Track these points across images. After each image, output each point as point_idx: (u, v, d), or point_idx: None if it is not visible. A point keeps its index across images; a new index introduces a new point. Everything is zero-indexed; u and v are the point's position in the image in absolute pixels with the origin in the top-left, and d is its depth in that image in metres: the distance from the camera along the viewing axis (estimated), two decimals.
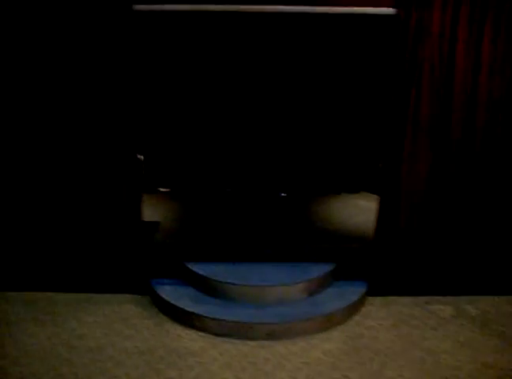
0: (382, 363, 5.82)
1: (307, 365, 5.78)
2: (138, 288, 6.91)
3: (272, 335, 6.18)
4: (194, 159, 8.76)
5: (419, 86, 6.33)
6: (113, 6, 6.10)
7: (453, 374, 5.67)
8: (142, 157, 7.21)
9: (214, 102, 8.54)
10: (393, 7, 6.21)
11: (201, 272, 6.71)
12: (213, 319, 6.27)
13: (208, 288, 6.64)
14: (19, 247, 6.85)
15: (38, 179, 6.61)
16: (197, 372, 5.66)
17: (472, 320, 6.60)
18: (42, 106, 6.40)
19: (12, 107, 6.41)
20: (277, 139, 8.72)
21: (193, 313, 6.35)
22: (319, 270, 6.84)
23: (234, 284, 6.55)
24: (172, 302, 6.52)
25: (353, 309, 6.63)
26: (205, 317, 6.30)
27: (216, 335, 6.22)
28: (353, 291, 6.78)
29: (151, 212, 7.75)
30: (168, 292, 6.69)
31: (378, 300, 6.90)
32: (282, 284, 6.61)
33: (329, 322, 6.39)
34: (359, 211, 8.16)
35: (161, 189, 8.82)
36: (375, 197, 6.94)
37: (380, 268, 6.92)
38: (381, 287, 6.95)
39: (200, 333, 6.25)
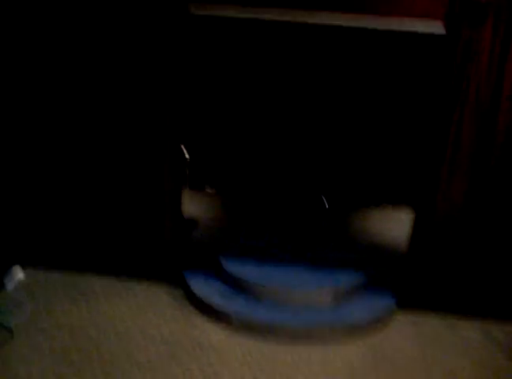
0: None
1: (325, 374, 5.87)
2: (172, 279, 7.10)
3: (294, 339, 6.29)
4: (242, 161, 8.95)
5: (462, 108, 6.29)
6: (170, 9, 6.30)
7: None
8: (188, 157, 7.45)
9: (261, 106, 8.69)
10: (443, 26, 6.19)
11: (232, 271, 6.87)
12: (239, 317, 6.42)
13: (238, 286, 6.78)
14: (64, 229, 7.16)
15: (89, 168, 6.90)
16: (216, 367, 5.83)
17: (499, 345, 6.53)
18: (101, 101, 6.68)
19: (71, 96, 6.72)
20: (324, 149, 8.80)
21: (220, 309, 6.53)
22: (349, 279, 6.89)
23: (263, 285, 6.68)
24: (202, 295, 6.71)
25: (379, 322, 6.65)
26: (232, 313, 6.46)
27: (240, 332, 6.37)
28: (381, 304, 6.80)
29: (194, 208, 7.99)
30: (199, 286, 6.86)
31: (405, 316, 6.87)
32: (310, 289, 6.70)
33: (353, 332, 6.45)
34: (397, 224, 8.14)
35: (207, 190, 9.06)
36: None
37: (411, 282, 6.90)
38: (410, 301, 6.92)
39: (225, 329, 6.41)
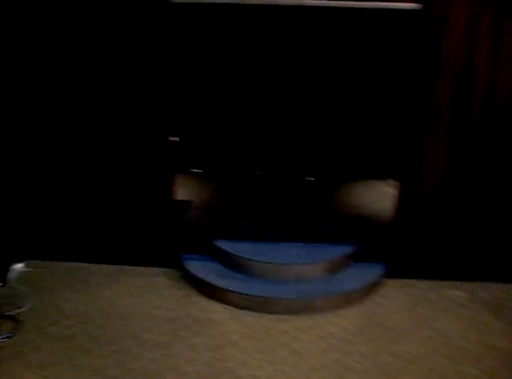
0: (391, 340, 6.17)
1: (322, 339, 6.16)
2: (169, 262, 7.36)
3: (290, 310, 6.58)
4: (226, 142, 9.17)
5: (442, 77, 6.57)
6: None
7: (460, 354, 5.98)
8: (177, 139, 7.65)
9: (245, 86, 8.91)
10: (416, 2, 6.45)
11: (226, 249, 7.14)
12: (236, 293, 6.69)
13: (233, 264, 7.07)
14: (61, 221, 7.39)
15: (78, 158, 7.12)
16: (219, 340, 6.10)
17: (485, 304, 6.87)
18: (83, 89, 6.89)
19: (54, 88, 6.91)
20: (307, 125, 9.04)
21: (218, 287, 6.79)
22: (339, 251, 7.20)
23: (257, 261, 6.96)
24: (199, 275, 6.97)
25: (370, 289, 6.97)
26: (229, 290, 6.73)
27: (239, 308, 6.64)
28: (371, 273, 7.12)
29: (183, 191, 8.22)
30: (196, 267, 7.13)
31: (395, 282, 7.21)
32: (303, 262, 6.99)
33: (346, 301, 6.75)
34: (383, 196, 8.44)
35: (194, 170, 9.28)
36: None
37: (398, 251, 7.22)
38: (399, 269, 7.26)
39: (224, 305, 6.69)
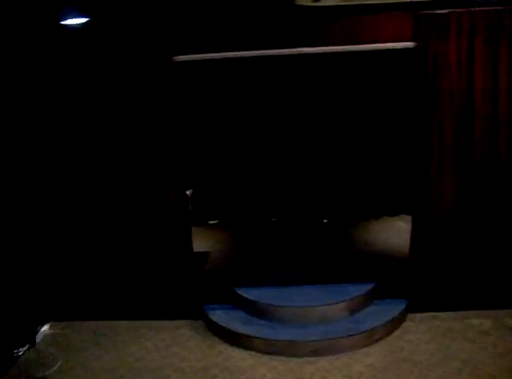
0: (420, 374, 6.15)
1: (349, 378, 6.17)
2: (192, 314, 7.44)
3: (316, 352, 6.60)
4: (240, 191, 9.33)
5: (441, 111, 6.72)
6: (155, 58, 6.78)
7: None
8: (190, 192, 7.81)
9: (257, 138, 9.12)
10: (412, 40, 6.66)
11: (248, 296, 7.21)
12: (261, 339, 6.74)
13: (256, 310, 7.12)
14: (83, 281, 7.52)
15: (99, 220, 7.32)
16: None
17: (511, 331, 6.83)
18: (102, 150, 7.14)
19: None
20: (318, 168, 9.21)
21: (242, 334, 6.84)
22: (360, 290, 7.24)
23: (279, 306, 7.02)
24: (223, 324, 7.03)
25: (393, 325, 6.98)
26: (254, 337, 6.78)
27: (264, 353, 6.68)
28: (393, 308, 7.13)
29: (201, 242, 8.35)
30: (219, 316, 7.20)
31: (417, 316, 7.22)
32: (324, 304, 7.02)
33: (370, 338, 6.76)
34: (397, 232, 8.52)
35: (210, 222, 9.44)
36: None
37: (418, 285, 7.24)
38: (420, 303, 7.27)
39: (249, 352, 6.73)
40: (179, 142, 7.10)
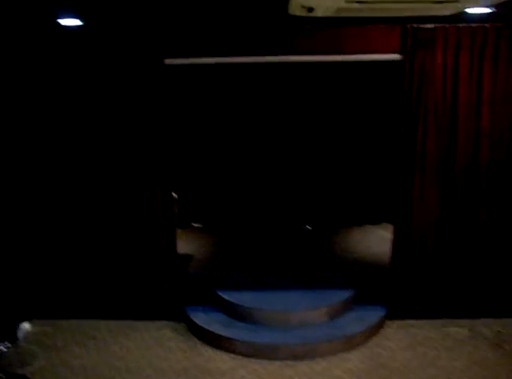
0: None
1: None
2: (174, 315, 7.49)
3: (296, 356, 6.68)
4: (225, 196, 9.43)
5: (425, 123, 6.87)
6: (147, 60, 6.86)
7: None
8: (176, 196, 7.88)
9: (243, 143, 9.23)
10: (399, 53, 6.81)
11: (230, 299, 7.28)
12: (242, 341, 6.80)
13: (238, 313, 7.19)
14: (66, 279, 7.53)
15: (82, 217, 7.34)
16: None
17: (487, 340, 6.98)
18: (91, 150, 7.17)
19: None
20: (302, 175, 9.34)
21: (223, 337, 6.91)
22: (340, 296, 7.34)
23: (260, 309, 7.09)
24: (205, 326, 7.09)
25: (372, 331, 7.09)
26: (235, 339, 6.84)
27: (245, 356, 6.75)
28: (372, 315, 7.25)
29: (185, 245, 8.42)
30: (201, 318, 7.26)
31: (396, 323, 7.35)
32: (305, 309, 7.12)
33: (349, 343, 6.87)
34: (379, 241, 8.67)
35: (194, 225, 9.52)
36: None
37: (397, 293, 7.36)
38: (399, 311, 7.39)
39: (230, 354, 6.79)
40: (167, 144, 7.15)
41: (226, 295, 7.37)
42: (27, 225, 7.39)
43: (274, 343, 6.75)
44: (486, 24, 6.63)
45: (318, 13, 3.84)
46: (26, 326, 7.35)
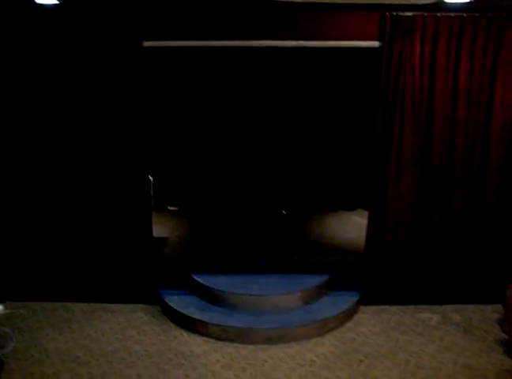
0: (369, 365, 6.36)
1: (301, 367, 6.33)
2: (149, 298, 7.50)
3: (269, 340, 6.74)
4: (201, 179, 9.41)
5: (402, 111, 6.91)
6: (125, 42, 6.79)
7: (434, 374, 6.20)
8: (152, 178, 7.84)
9: (219, 126, 9.20)
10: (377, 40, 6.82)
11: (204, 283, 7.31)
12: (216, 325, 6.85)
13: (212, 297, 7.23)
14: (39, 261, 7.49)
15: (55, 200, 7.28)
16: (200, 372, 6.24)
17: (457, 326, 7.12)
18: (66, 132, 7.09)
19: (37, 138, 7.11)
20: (279, 160, 9.35)
21: (197, 320, 6.95)
22: (314, 281, 7.41)
23: (235, 293, 7.13)
24: (179, 310, 7.12)
25: (345, 316, 7.17)
26: (209, 323, 6.89)
27: (219, 339, 6.80)
28: (346, 300, 7.33)
29: (160, 228, 8.41)
30: (176, 301, 7.28)
31: (369, 309, 7.45)
32: (279, 294, 7.17)
33: (323, 328, 6.94)
34: (354, 226, 8.74)
35: (170, 208, 9.50)
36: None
37: (371, 279, 7.45)
38: (372, 296, 7.48)
39: (204, 338, 6.84)
40: (144, 127, 7.11)
41: (200, 279, 7.39)
42: (3, 208, 7.32)
43: (248, 327, 6.80)
44: (464, 14, 6.67)
45: None
46: (0, 308, 7.30)
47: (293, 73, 8.93)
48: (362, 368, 6.30)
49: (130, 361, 6.41)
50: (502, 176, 7.17)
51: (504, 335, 6.81)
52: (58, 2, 5.99)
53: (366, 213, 7.72)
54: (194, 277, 7.44)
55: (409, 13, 6.67)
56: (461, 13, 6.66)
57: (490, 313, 7.41)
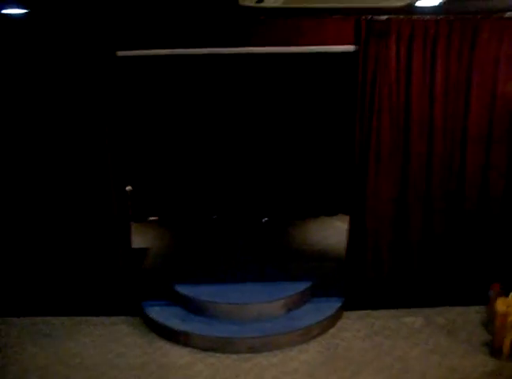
0: (354, 371, 6.31)
1: (286, 375, 6.27)
2: (130, 310, 7.40)
3: (253, 349, 6.68)
4: (180, 188, 9.35)
5: (379, 115, 6.90)
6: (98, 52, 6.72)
7: (420, 378, 6.16)
8: (130, 188, 7.77)
9: (198, 135, 9.16)
10: (353, 44, 6.82)
11: (186, 293, 7.23)
12: (199, 335, 6.77)
13: (194, 307, 7.15)
14: (18, 276, 7.36)
15: (33, 213, 7.16)
16: None
17: (441, 329, 7.10)
18: (41, 143, 6.98)
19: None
20: (258, 168, 9.31)
21: (180, 331, 6.86)
22: (297, 287, 7.35)
23: (217, 303, 7.07)
24: (161, 321, 7.04)
25: (329, 322, 7.13)
26: (191, 333, 6.80)
27: (202, 350, 6.72)
28: (329, 306, 7.28)
29: (140, 239, 8.33)
30: (157, 312, 7.19)
31: (353, 314, 7.40)
32: (262, 301, 7.12)
33: (307, 335, 6.89)
34: (335, 232, 8.72)
35: (150, 218, 9.43)
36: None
37: (354, 283, 7.41)
38: (356, 301, 7.44)
39: (187, 349, 6.76)
40: (120, 137, 7.04)
41: (182, 289, 7.32)
42: None
43: (231, 337, 6.73)
44: (438, 17, 6.68)
45: (267, 4, 3.80)
46: None
47: (271, 79, 8.91)
48: (347, 374, 6.26)
49: (112, 375, 6.31)
50: (482, 178, 7.16)
51: (488, 337, 6.80)
52: (25, 12, 5.88)
53: (347, 218, 7.69)
54: (176, 288, 7.36)
55: (384, 17, 6.67)
56: (435, 16, 6.67)
57: (474, 314, 7.39)
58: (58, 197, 7.11)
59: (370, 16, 6.66)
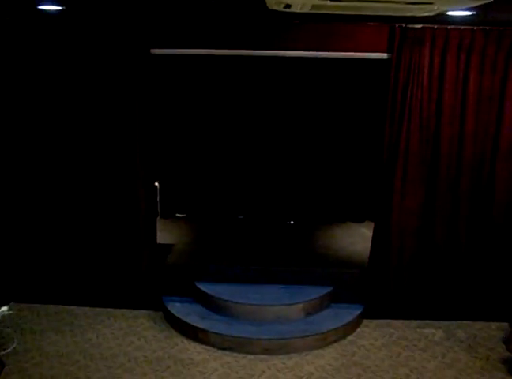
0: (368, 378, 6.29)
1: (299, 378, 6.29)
2: (152, 304, 7.52)
3: (269, 350, 6.71)
4: (209, 187, 9.42)
5: (409, 123, 6.85)
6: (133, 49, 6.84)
7: None
8: (158, 184, 7.87)
9: (228, 135, 9.21)
10: (386, 52, 6.79)
11: (207, 291, 7.30)
12: (216, 334, 6.83)
13: (214, 305, 7.22)
14: (45, 264, 7.55)
15: (63, 206, 7.35)
16: None
17: (461, 343, 7.01)
18: (73, 139, 7.16)
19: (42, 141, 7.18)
20: (288, 171, 9.32)
21: (198, 328, 6.93)
22: (318, 292, 7.36)
23: (237, 303, 7.11)
24: (181, 317, 7.12)
25: (347, 329, 7.11)
26: (209, 331, 6.87)
27: (219, 348, 6.78)
28: (349, 313, 7.26)
29: (166, 235, 8.42)
30: (178, 308, 7.28)
31: (372, 322, 7.38)
32: (281, 304, 7.14)
33: (324, 340, 6.89)
34: (361, 238, 8.67)
35: (178, 215, 9.52)
36: None
37: (375, 292, 7.38)
38: (376, 310, 7.41)
39: (204, 346, 6.83)
40: (151, 133, 7.14)
41: (203, 287, 7.39)
42: (9, 210, 7.39)
43: (248, 337, 6.77)
44: (474, 27, 6.61)
45: (295, 9, 3.82)
46: (3, 309, 7.37)
47: (303, 82, 8.91)
48: None
49: (129, 366, 6.42)
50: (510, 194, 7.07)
51: (508, 354, 6.70)
52: (60, 8, 6.01)
53: (372, 224, 7.66)
54: (197, 285, 7.44)
55: (418, 26, 6.63)
56: (471, 27, 6.60)
57: (495, 330, 7.29)
58: (88, 190, 7.26)
59: (404, 24, 6.64)
